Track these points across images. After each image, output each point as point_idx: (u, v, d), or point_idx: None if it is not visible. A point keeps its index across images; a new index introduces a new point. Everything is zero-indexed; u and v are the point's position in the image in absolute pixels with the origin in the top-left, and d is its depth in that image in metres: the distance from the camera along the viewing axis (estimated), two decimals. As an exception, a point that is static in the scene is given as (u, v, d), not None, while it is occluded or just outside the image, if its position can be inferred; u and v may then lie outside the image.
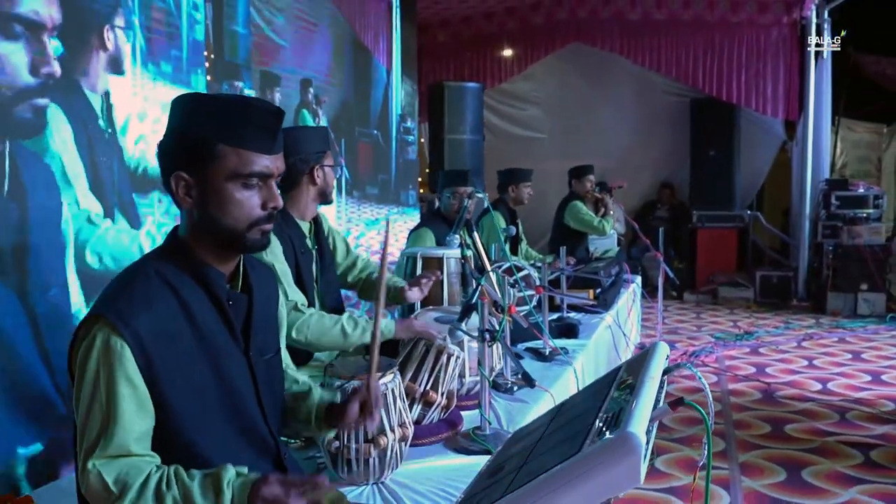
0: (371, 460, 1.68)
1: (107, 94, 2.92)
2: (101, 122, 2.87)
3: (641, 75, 8.42)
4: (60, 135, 2.57)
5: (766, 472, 3.26)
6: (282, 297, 1.59)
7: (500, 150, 8.66)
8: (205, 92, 3.69)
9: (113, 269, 2.76)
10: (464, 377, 2.32)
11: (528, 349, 3.22)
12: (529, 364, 3.03)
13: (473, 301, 2.07)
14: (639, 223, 7.03)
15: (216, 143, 1.25)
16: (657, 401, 1.05)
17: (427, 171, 8.29)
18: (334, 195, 2.53)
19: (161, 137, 1.31)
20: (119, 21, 3.01)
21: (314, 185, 2.41)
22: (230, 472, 1.18)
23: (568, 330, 3.59)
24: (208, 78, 3.98)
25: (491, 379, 2.45)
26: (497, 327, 1.99)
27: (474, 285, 2.13)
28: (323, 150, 2.43)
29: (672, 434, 3.68)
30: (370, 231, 6.78)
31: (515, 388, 2.57)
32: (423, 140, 8.88)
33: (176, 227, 1.36)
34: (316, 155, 2.39)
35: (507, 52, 8.78)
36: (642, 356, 1.23)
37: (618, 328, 4.13)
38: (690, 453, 3.42)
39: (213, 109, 1.27)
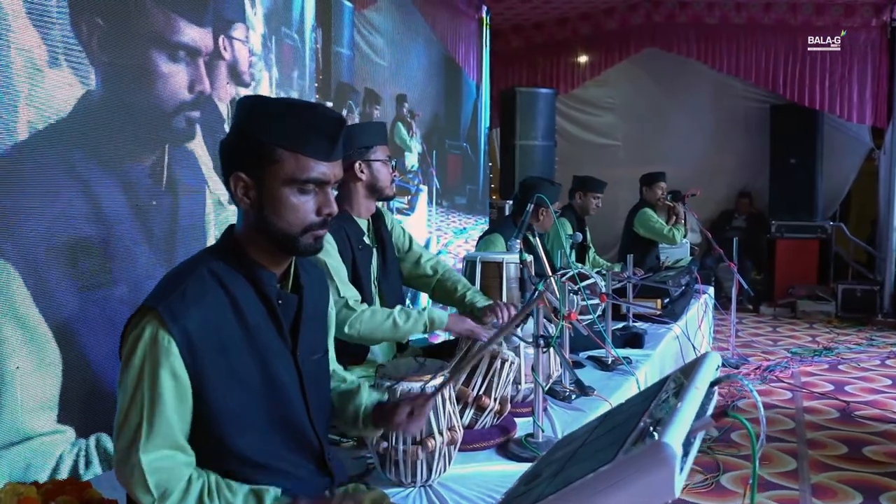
0: (419, 462, 1.68)
1: (232, 103, 3.54)
2: (226, 125, 3.43)
3: (719, 81, 8.19)
4: (197, 137, 3.10)
5: (840, 494, 3.10)
6: (331, 298, 1.60)
7: (573, 157, 8.57)
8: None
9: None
10: (520, 384, 2.30)
11: (590, 357, 3.16)
12: (591, 373, 2.98)
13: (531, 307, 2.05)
14: (714, 233, 6.84)
15: (275, 146, 1.26)
16: (703, 411, 1.01)
17: (493, 175, 8.28)
18: (392, 190, 2.49)
19: (225, 136, 1.34)
20: (238, 33, 3.57)
21: (360, 180, 2.42)
22: (272, 494, 1.21)
23: (633, 339, 3.52)
24: (317, 96, 4.46)
25: (547, 386, 2.42)
26: (552, 334, 1.96)
27: (532, 291, 2.11)
28: (368, 144, 2.41)
29: (741, 451, 3.56)
30: (458, 239, 6.96)
31: (573, 396, 2.53)
32: (494, 145, 8.87)
33: (232, 226, 1.38)
34: (359, 150, 2.39)
35: (581, 58, 8.69)
36: (691, 365, 1.18)
37: (686, 339, 4.02)
38: (759, 472, 3.29)
39: (276, 113, 1.28)
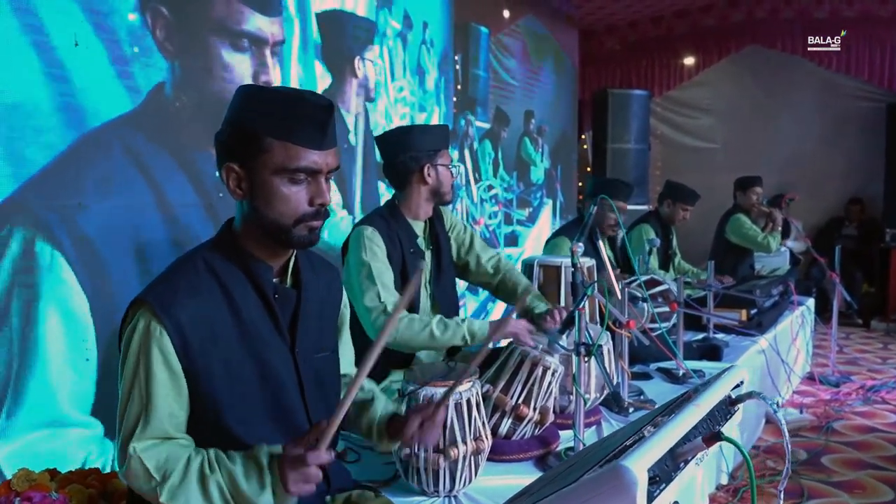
0: (441, 471, 1.61)
1: (359, 115, 3.85)
2: (350, 135, 3.77)
3: (827, 79, 7.67)
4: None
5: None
6: (345, 299, 1.56)
7: (670, 161, 8.26)
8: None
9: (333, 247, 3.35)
10: (571, 393, 2.19)
11: (659, 369, 3.01)
12: (658, 385, 2.83)
13: (574, 312, 1.94)
14: (823, 242, 6.39)
15: (265, 136, 1.24)
16: (704, 432, 0.90)
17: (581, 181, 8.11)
18: (452, 195, 2.45)
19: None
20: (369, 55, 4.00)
21: (425, 184, 2.37)
22: (263, 448, 1.19)
23: (710, 351, 3.33)
24: (455, 110, 5.07)
25: (602, 397, 2.30)
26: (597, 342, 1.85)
27: (581, 296, 2.00)
28: (436, 148, 2.38)
29: (831, 477, 3.28)
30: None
31: (632, 409, 2.40)
32: (585, 148, 8.68)
33: (231, 219, 1.37)
34: (428, 153, 2.35)
35: (677, 58, 8.37)
36: (710, 381, 1.07)
37: (775, 354, 3.77)
38: (847, 500, 3.03)
39: (265, 102, 1.26)
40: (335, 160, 1.31)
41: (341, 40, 3.77)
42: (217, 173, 1.31)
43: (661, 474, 0.76)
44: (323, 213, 1.30)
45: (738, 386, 1.06)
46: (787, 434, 1.00)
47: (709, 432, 0.88)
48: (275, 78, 3.15)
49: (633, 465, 0.71)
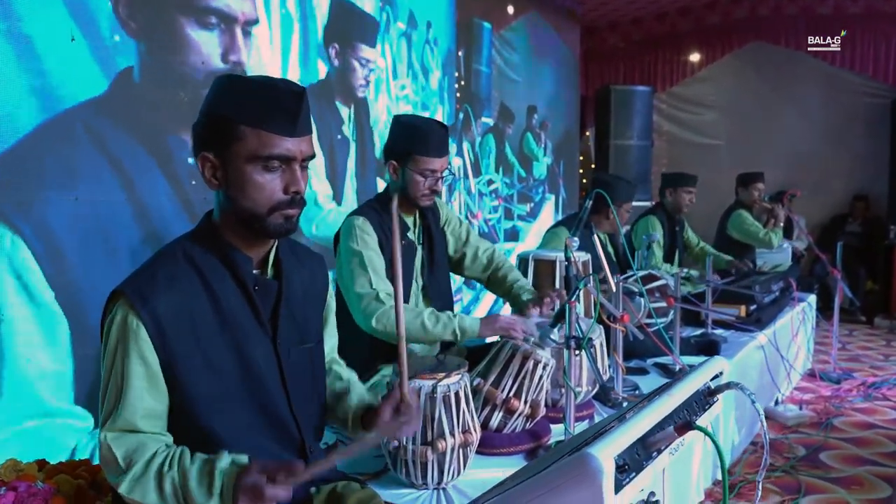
0: (429, 464, 1.61)
1: (357, 106, 3.83)
2: (345, 127, 3.70)
3: (832, 75, 7.63)
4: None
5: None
6: (331, 289, 1.55)
7: (673, 157, 8.24)
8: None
9: (325, 239, 3.31)
10: (563, 387, 2.19)
11: (656, 364, 3.00)
12: (655, 380, 2.82)
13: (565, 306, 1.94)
14: (827, 239, 6.36)
15: (238, 123, 1.23)
16: (679, 421, 0.89)
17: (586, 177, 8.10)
18: (426, 201, 2.32)
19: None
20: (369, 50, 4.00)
21: (395, 180, 2.34)
22: (225, 460, 1.17)
23: (708, 347, 3.32)
24: (457, 106, 5.10)
25: (594, 391, 2.30)
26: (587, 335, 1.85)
27: (574, 290, 2.00)
28: (409, 150, 2.26)
29: (829, 473, 3.27)
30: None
31: (625, 403, 2.39)
32: (588, 144, 8.66)
33: (211, 211, 1.36)
34: (400, 153, 2.29)
35: (681, 54, 8.34)
36: (691, 371, 1.06)
37: (774, 350, 3.75)
38: (845, 496, 3.01)
39: (238, 90, 1.25)
40: (309, 147, 1.29)
41: (341, 31, 3.74)
42: (191, 160, 1.31)
43: (631, 463, 0.76)
44: (298, 201, 1.28)
45: (717, 377, 1.05)
46: (765, 425, 0.99)
47: (682, 422, 0.87)
48: (246, 59, 3.04)
49: (599, 452, 0.71)
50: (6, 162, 2.20)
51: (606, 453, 0.71)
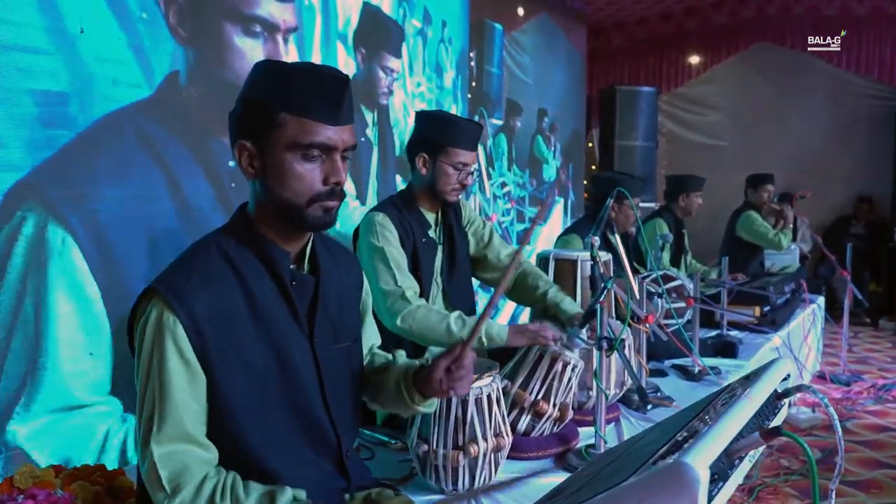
0: (460, 469, 1.56)
1: (379, 111, 3.88)
2: (368, 130, 3.77)
3: (837, 77, 7.62)
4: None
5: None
6: (366, 285, 1.50)
7: (677, 158, 8.21)
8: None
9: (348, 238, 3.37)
10: (590, 389, 2.14)
11: (674, 366, 2.95)
12: (674, 382, 2.78)
13: (595, 306, 1.89)
14: (831, 240, 6.32)
15: (278, 110, 1.17)
16: (757, 426, 0.85)
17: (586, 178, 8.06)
18: (454, 196, 2.27)
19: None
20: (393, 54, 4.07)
21: (423, 174, 2.27)
22: (287, 495, 1.12)
23: (725, 348, 3.27)
24: (469, 108, 5.12)
25: (621, 393, 2.25)
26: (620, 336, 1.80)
27: (601, 290, 1.95)
28: (443, 142, 2.21)
29: (846, 476, 3.23)
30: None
31: (650, 406, 2.34)
32: (591, 145, 8.62)
33: (245, 203, 1.30)
34: (432, 144, 2.22)
35: (686, 55, 8.31)
36: (755, 373, 1.01)
37: (788, 351, 3.71)
38: (865, 500, 2.97)
39: (279, 76, 1.20)
40: (351, 137, 1.23)
41: (369, 37, 3.80)
42: (232, 164, 1.26)
43: (719, 472, 0.72)
44: (338, 192, 1.22)
45: (785, 379, 1.01)
46: (839, 431, 0.95)
47: (760, 427, 0.83)
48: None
49: (695, 461, 0.66)
50: (60, 161, 2.21)
51: (701, 462, 0.67)
